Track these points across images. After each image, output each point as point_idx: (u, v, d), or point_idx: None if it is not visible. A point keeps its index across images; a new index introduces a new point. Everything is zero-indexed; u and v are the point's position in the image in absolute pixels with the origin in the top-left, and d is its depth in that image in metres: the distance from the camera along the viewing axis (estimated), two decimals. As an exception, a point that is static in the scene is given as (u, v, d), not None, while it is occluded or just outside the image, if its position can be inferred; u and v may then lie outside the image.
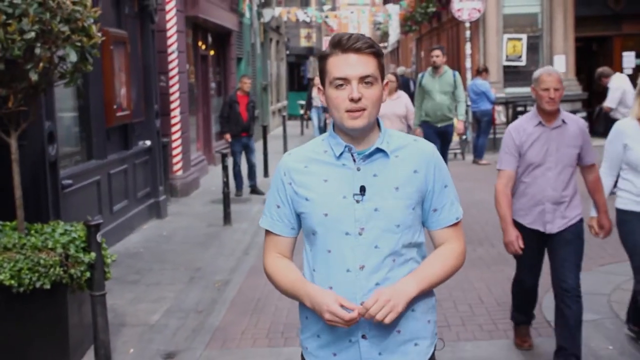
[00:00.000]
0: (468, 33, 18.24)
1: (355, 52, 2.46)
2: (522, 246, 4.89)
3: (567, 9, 17.80)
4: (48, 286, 5.09)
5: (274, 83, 28.74)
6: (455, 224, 2.63)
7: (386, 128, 2.61)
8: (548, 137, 4.87)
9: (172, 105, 12.93)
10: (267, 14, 25.27)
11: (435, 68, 10.66)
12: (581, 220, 5.03)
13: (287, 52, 34.01)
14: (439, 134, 10.50)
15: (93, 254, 5.31)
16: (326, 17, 31.67)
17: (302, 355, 2.71)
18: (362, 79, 2.46)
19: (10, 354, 5.25)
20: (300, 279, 2.58)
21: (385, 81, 2.57)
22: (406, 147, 2.59)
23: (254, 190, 13.05)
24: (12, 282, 5.06)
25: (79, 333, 5.50)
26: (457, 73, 10.95)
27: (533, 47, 18.07)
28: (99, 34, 5.51)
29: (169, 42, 12.78)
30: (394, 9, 31.52)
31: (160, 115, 11.64)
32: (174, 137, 12.95)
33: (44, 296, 5.16)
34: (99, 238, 5.38)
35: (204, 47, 17.03)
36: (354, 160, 2.53)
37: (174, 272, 8.01)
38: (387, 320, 2.37)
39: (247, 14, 21.75)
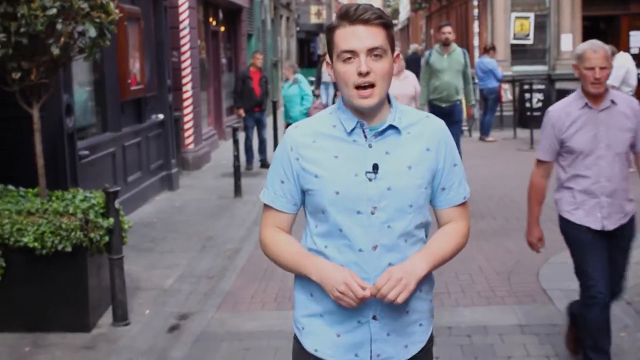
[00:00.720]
0: (476, 11, 18.40)
1: (364, 23, 2.35)
2: (541, 247, 4.62)
3: (574, -12, 17.93)
4: (69, 249, 5.40)
5: (284, 59, 28.92)
6: (462, 203, 2.58)
7: (398, 104, 2.53)
8: (596, 121, 4.28)
9: (184, 80, 13.20)
10: (278, -10, 25.46)
11: (445, 45, 10.23)
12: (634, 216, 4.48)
13: (297, 28, 34.16)
14: (445, 114, 9.63)
15: (111, 219, 5.62)
16: (336, -6, 31.76)
17: (295, 336, 2.60)
18: (371, 52, 2.35)
19: (33, 312, 5.57)
20: (305, 252, 2.49)
21: (395, 53, 2.46)
22: (417, 123, 2.51)
23: (264, 164, 13.33)
24: (36, 244, 5.38)
25: (98, 294, 5.80)
26: (466, 51, 10.57)
27: (540, 26, 18.21)
28: (117, 11, 5.78)
29: (181, 18, 13.03)
30: (404, -14, 31.57)
31: (173, 90, 11.91)
32: (185, 111, 13.22)
33: (65, 258, 5.47)
34: (116, 204, 5.69)
35: (214, 23, 17.26)
36: (365, 137, 2.43)
37: (187, 241, 8.31)
38: (400, 300, 2.31)
39: (258, -9, 21.92)
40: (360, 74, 2.35)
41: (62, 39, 5.35)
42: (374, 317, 2.45)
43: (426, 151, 2.47)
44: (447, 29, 10.30)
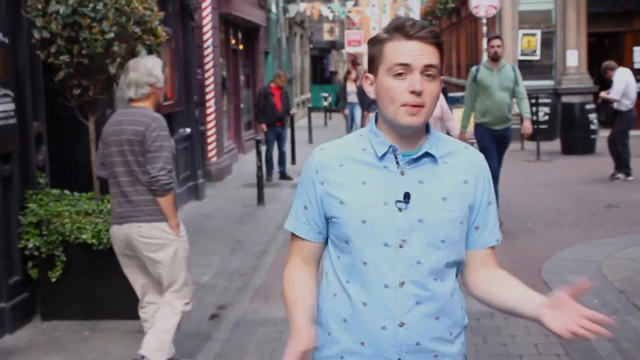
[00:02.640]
0: (485, 29, 19.13)
1: (421, 40, 2.17)
2: None
3: (579, 6, 18.69)
4: (123, 245, 6.10)
5: (298, 76, 29.76)
6: (494, 247, 2.39)
7: (435, 131, 2.34)
8: None
9: (207, 97, 13.96)
10: (292, 9, 26.31)
11: (494, 61, 9.17)
12: None
13: (311, 45, 35.00)
14: (496, 139, 9.06)
15: (159, 219, 6.32)
16: (349, 12, 32.60)
17: None
18: (425, 70, 2.17)
19: (89, 302, 6.27)
20: (297, 304, 2.29)
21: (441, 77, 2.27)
22: (456, 153, 2.31)
23: (283, 175, 14.06)
24: (93, 241, 6.10)
25: (146, 286, 6.50)
26: (515, 67, 9.60)
27: (547, 42, 18.98)
28: (164, 34, 6.52)
29: (205, 37, 13.80)
30: (414, 4, 32.42)
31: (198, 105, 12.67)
32: (209, 125, 13.98)
33: (118, 254, 6.17)
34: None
35: (234, 41, 18.06)
36: (398, 163, 2.24)
37: (217, 243, 9.02)
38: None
39: (274, 10, 22.75)
40: (413, 92, 2.16)
41: (118, 60, 6.07)
42: None
43: (463, 184, 2.27)
44: (497, 42, 9.32)
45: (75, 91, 6.18)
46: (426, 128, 2.29)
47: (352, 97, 20.43)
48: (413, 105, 2.17)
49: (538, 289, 6.61)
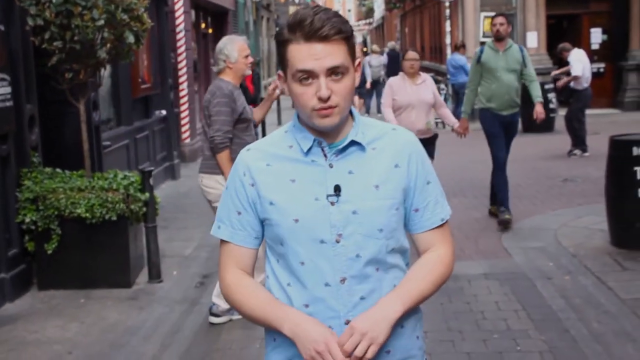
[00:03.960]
0: (448, 11, 19.69)
1: (321, 40, 2.05)
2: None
3: (539, -11, 19.32)
4: (115, 218, 6.56)
5: (265, 59, 30.13)
6: (441, 226, 2.27)
7: (361, 117, 2.25)
8: None
9: (180, 80, 14.34)
10: (259, -8, 26.66)
11: (498, 40, 8.44)
12: None
13: (277, 29, 35.33)
14: (504, 125, 8.50)
15: (147, 194, 6.79)
16: (314, -5, 33.00)
17: None
18: (331, 72, 2.07)
19: (84, 272, 6.71)
20: (277, 302, 2.18)
21: (357, 61, 2.17)
22: (383, 137, 2.22)
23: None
24: (87, 215, 6.54)
25: (135, 257, 6.98)
26: (524, 47, 8.94)
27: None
28: (149, 21, 6.95)
29: (177, 22, 14.17)
30: (378, -13, 32.87)
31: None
32: (182, 108, 14.37)
33: (110, 227, 6.63)
34: (151, 182, 6.86)
35: (204, 25, 18.42)
36: (325, 156, 2.16)
37: (196, 219, 9.46)
38: (369, 356, 2.04)
39: (241, -6, 23.10)
40: (320, 99, 2.07)
41: (108, 45, 6.50)
42: None
43: (394, 168, 2.19)
44: (499, 19, 8.51)
45: (67, 75, 6.60)
46: (351, 114, 2.21)
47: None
48: (324, 109, 2.08)
49: (499, 255, 7.18)
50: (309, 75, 2.07)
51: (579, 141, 13.15)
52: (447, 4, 19.65)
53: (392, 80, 8.25)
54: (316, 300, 2.13)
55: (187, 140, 14.54)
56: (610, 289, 6.11)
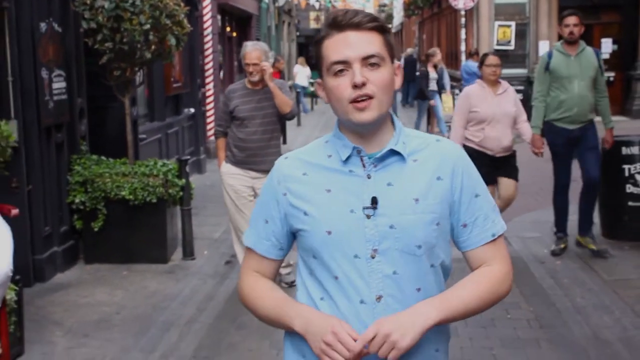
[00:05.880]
0: (463, 20, 20.44)
1: (355, 28, 2.00)
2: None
3: (551, 0, 20.08)
4: (155, 201, 7.37)
5: (285, 62, 30.97)
6: (493, 241, 2.14)
7: (404, 127, 2.14)
8: None
9: (207, 80, 15.17)
10: (282, -2, 27.56)
11: (570, 44, 7.18)
12: None
13: (297, 33, 36.24)
14: (574, 140, 7.29)
15: (184, 180, 7.59)
16: (335, 0, 33.83)
17: None
18: (366, 60, 1.99)
19: (126, 249, 7.51)
20: (290, 300, 2.13)
21: (396, 63, 2.09)
22: (426, 148, 2.10)
23: (276, 153, 15.35)
24: (130, 197, 7.34)
25: (172, 236, 7.78)
26: (599, 51, 7.68)
27: (521, 33, 20.41)
28: (189, 25, 7.76)
29: (205, 25, 14.99)
30: (397, -6, 33.67)
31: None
32: (208, 107, 15.19)
33: (150, 208, 7.43)
34: (187, 169, 7.66)
35: (229, 29, 19.28)
36: (364, 166, 2.06)
37: (222, 208, 10.12)
38: (391, 359, 1.92)
39: (265, -1, 23.99)
40: (355, 86, 1.99)
41: (152, 46, 7.31)
42: None
43: (436, 180, 2.07)
44: (572, 19, 7.15)
45: (116, 72, 7.41)
46: (392, 123, 2.12)
47: (434, 85, 17.37)
48: (360, 100, 1.99)
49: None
50: (343, 66, 2.00)
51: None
52: (462, 12, 20.40)
53: (470, 90, 7.35)
54: (350, 318, 2.02)
55: (212, 138, 15.35)
56: (595, 271, 6.86)
